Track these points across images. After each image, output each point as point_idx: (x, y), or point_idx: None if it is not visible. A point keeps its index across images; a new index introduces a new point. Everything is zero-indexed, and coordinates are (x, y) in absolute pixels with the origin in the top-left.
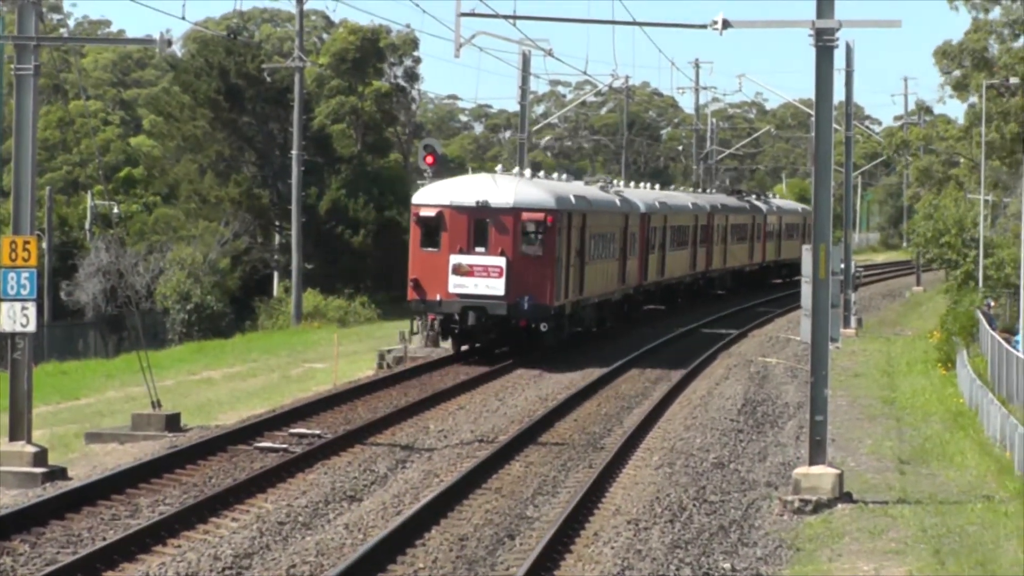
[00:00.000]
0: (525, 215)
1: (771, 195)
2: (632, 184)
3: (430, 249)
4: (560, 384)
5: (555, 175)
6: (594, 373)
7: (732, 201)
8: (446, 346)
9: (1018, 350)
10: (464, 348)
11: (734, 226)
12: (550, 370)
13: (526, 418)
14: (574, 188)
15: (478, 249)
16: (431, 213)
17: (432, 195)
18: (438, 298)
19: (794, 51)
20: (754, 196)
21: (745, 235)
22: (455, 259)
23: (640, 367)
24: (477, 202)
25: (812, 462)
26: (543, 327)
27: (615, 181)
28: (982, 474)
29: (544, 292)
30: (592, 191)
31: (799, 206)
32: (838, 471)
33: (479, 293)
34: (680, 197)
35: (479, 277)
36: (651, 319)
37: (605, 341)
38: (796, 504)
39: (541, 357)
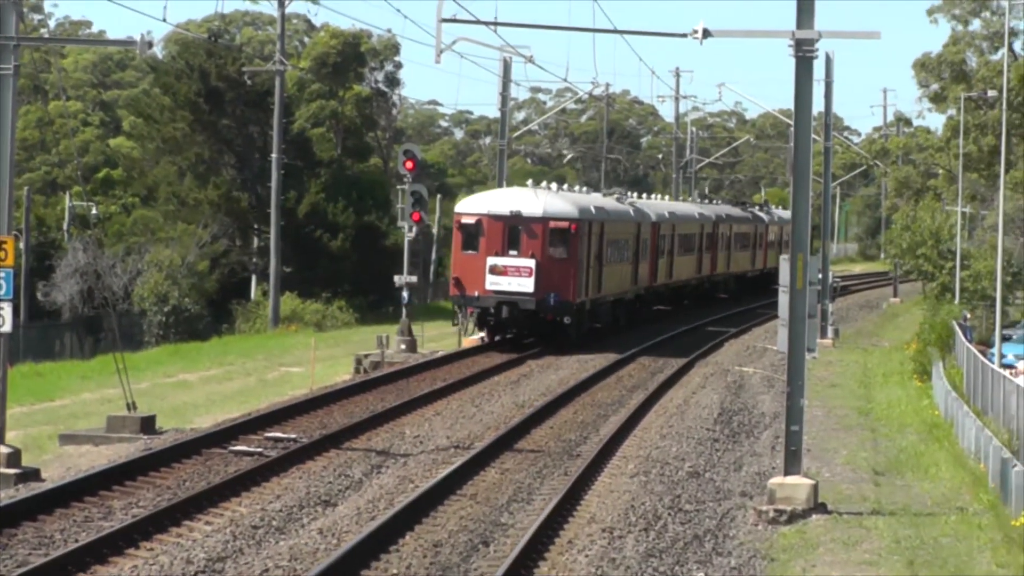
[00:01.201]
0: (552, 223)
1: (773, 206)
2: (644, 196)
3: (470, 252)
4: (536, 391)
5: (576, 188)
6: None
7: (736, 211)
8: (423, 351)
9: (993, 362)
10: (497, 338)
11: (738, 235)
12: (527, 377)
13: (502, 424)
14: (593, 200)
15: (511, 252)
16: (471, 221)
17: (472, 205)
18: (476, 294)
19: (774, 61)
20: (757, 207)
21: (748, 243)
22: (491, 260)
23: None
24: (511, 211)
25: (787, 472)
26: (566, 320)
27: (629, 193)
28: (956, 486)
29: (568, 290)
30: (609, 202)
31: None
32: (813, 481)
33: (512, 290)
34: (688, 208)
35: (512, 276)
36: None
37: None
38: (771, 514)
39: (523, 365)
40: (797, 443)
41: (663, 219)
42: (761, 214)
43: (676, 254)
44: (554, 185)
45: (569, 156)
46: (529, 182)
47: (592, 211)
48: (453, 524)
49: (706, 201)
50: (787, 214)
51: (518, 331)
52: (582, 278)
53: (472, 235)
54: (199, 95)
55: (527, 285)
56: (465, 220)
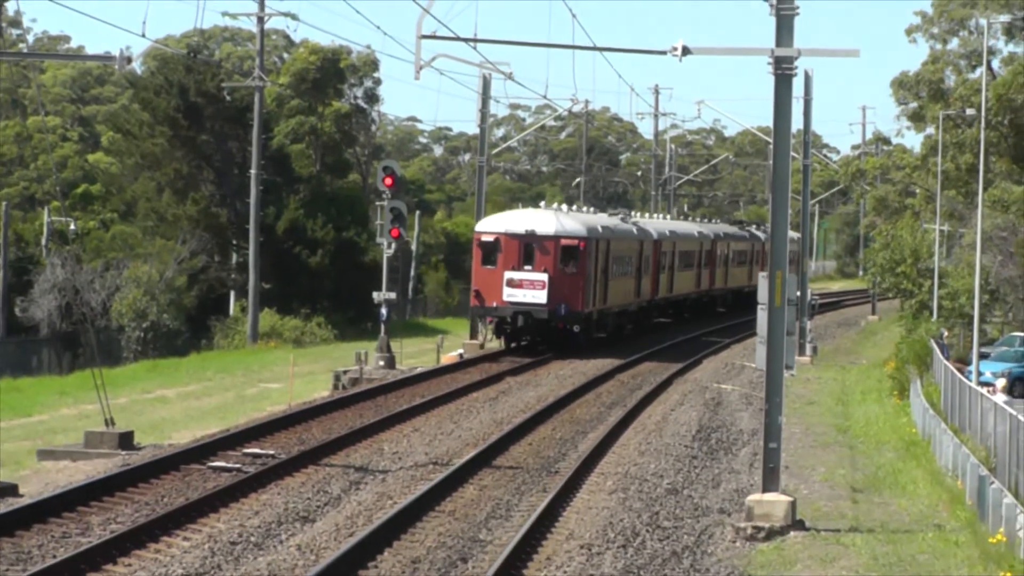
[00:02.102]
0: (563, 241)
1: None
2: (648, 215)
3: (488, 266)
4: (515, 407)
5: (584, 208)
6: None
7: (734, 230)
8: (402, 368)
9: (971, 380)
10: (513, 344)
11: (735, 252)
12: (506, 394)
13: (481, 441)
14: (600, 219)
15: (526, 267)
16: (490, 239)
17: (491, 224)
18: (495, 305)
19: (753, 79)
20: (754, 226)
21: (745, 260)
22: (508, 274)
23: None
24: (526, 230)
25: (765, 489)
26: (575, 329)
27: (633, 213)
28: (934, 503)
29: (577, 301)
30: (614, 222)
31: (795, 235)
32: (791, 498)
33: (526, 301)
34: (687, 226)
35: (527, 289)
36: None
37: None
38: (749, 531)
39: (502, 381)
40: (775, 460)
41: (664, 237)
42: (758, 233)
43: (676, 269)
44: (564, 206)
45: (544, 171)
46: (542, 204)
47: (599, 230)
48: (431, 540)
49: (705, 220)
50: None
51: (532, 338)
52: (590, 291)
53: (491, 251)
54: (178, 111)
55: (540, 297)
56: (484, 238)
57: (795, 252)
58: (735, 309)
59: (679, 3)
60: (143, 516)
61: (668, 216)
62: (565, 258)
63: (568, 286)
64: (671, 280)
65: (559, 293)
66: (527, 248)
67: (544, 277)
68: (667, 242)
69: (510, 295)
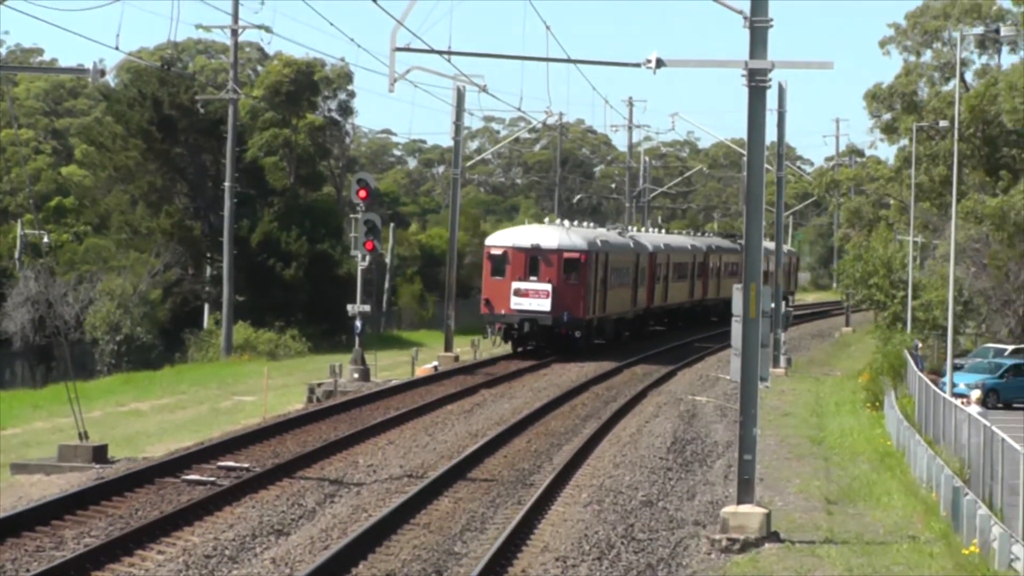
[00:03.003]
0: (566, 254)
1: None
2: (644, 229)
3: (497, 277)
4: (490, 420)
5: (585, 224)
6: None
7: (726, 243)
8: (376, 380)
9: (945, 391)
10: (520, 349)
11: (727, 263)
12: (481, 406)
13: (456, 453)
14: (599, 234)
15: (532, 278)
16: (499, 252)
17: (499, 239)
18: (503, 312)
19: (727, 91)
20: None
21: (737, 271)
22: (515, 284)
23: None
24: (532, 244)
25: (740, 501)
26: (577, 334)
27: (631, 227)
28: (908, 515)
29: (578, 309)
30: (612, 236)
31: (786, 248)
32: (766, 510)
33: (532, 309)
34: (681, 240)
35: (532, 298)
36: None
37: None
38: (724, 543)
39: (477, 394)
40: (750, 472)
41: (659, 250)
42: None
43: (671, 280)
44: (567, 222)
45: (518, 183)
46: (547, 220)
47: (598, 244)
48: (407, 553)
49: (698, 233)
50: (773, 246)
51: (537, 343)
52: (590, 299)
53: (499, 264)
54: (152, 123)
55: (545, 305)
56: (494, 251)
57: (788, 264)
58: (728, 318)
59: (653, 16)
60: (117, 530)
61: (663, 230)
62: (567, 270)
63: (570, 295)
64: (665, 290)
65: (562, 302)
66: (532, 260)
67: (548, 287)
68: (661, 254)
69: (517, 303)
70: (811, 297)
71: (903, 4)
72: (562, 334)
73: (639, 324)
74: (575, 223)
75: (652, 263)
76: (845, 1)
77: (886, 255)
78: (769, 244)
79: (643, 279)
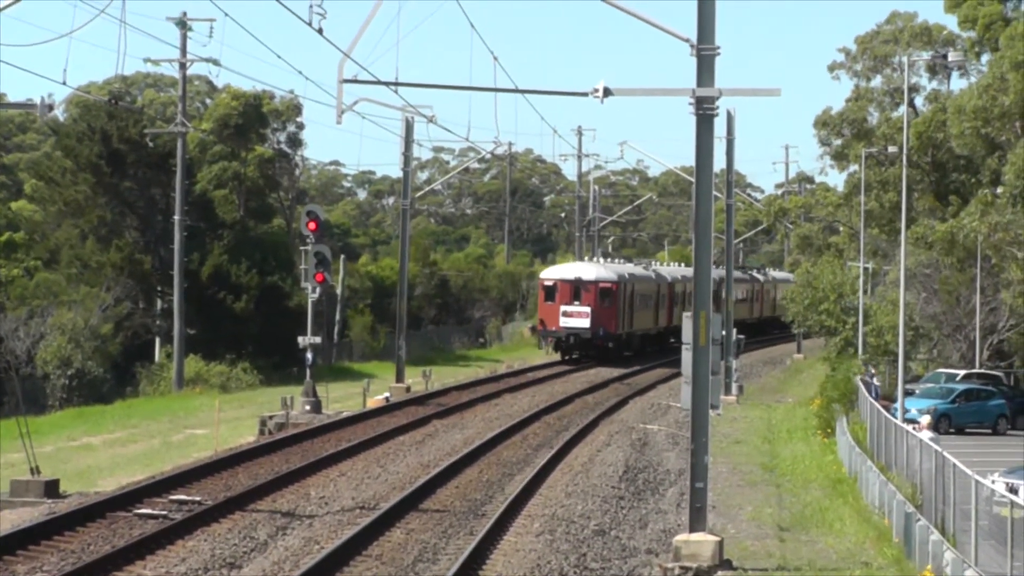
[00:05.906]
0: (601, 284)
1: (768, 269)
2: (666, 263)
3: (549, 302)
4: (441, 451)
5: (617, 260)
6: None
7: (737, 273)
8: (328, 412)
9: (897, 417)
10: (566, 357)
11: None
12: (432, 437)
13: (408, 484)
14: (627, 268)
15: (575, 302)
16: (550, 283)
17: (551, 273)
18: (554, 328)
19: (676, 119)
20: (755, 270)
21: (747, 297)
22: (563, 307)
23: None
24: (575, 277)
25: (692, 529)
26: (610, 345)
27: (653, 262)
28: (861, 541)
29: (612, 326)
30: (638, 270)
31: (789, 275)
32: (718, 538)
33: (576, 326)
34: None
35: (576, 318)
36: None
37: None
38: (676, 571)
39: (428, 424)
40: (702, 500)
41: (676, 280)
42: (758, 275)
43: (687, 305)
44: (602, 259)
45: (468, 214)
46: (586, 257)
47: (627, 276)
48: None
49: (715, 267)
50: (782, 275)
51: (580, 352)
52: (621, 319)
53: (550, 292)
54: (101, 157)
55: (586, 323)
56: (546, 283)
57: (758, 291)
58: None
59: (601, 44)
60: (69, 564)
61: (682, 264)
62: (602, 296)
63: (605, 316)
64: (682, 312)
65: (598, 321)
66: (576, 289)
67: (588, 309)
68: (679, 284)
69: (564, 322)
70: None
71: (852, 29)
72: (599, 345)
73: (660, 339)
74: (609, 259)
75: (671, 291)
76: (793, 28)
77: (836, 281)
78: (788, 275)
79: (663, 303)
